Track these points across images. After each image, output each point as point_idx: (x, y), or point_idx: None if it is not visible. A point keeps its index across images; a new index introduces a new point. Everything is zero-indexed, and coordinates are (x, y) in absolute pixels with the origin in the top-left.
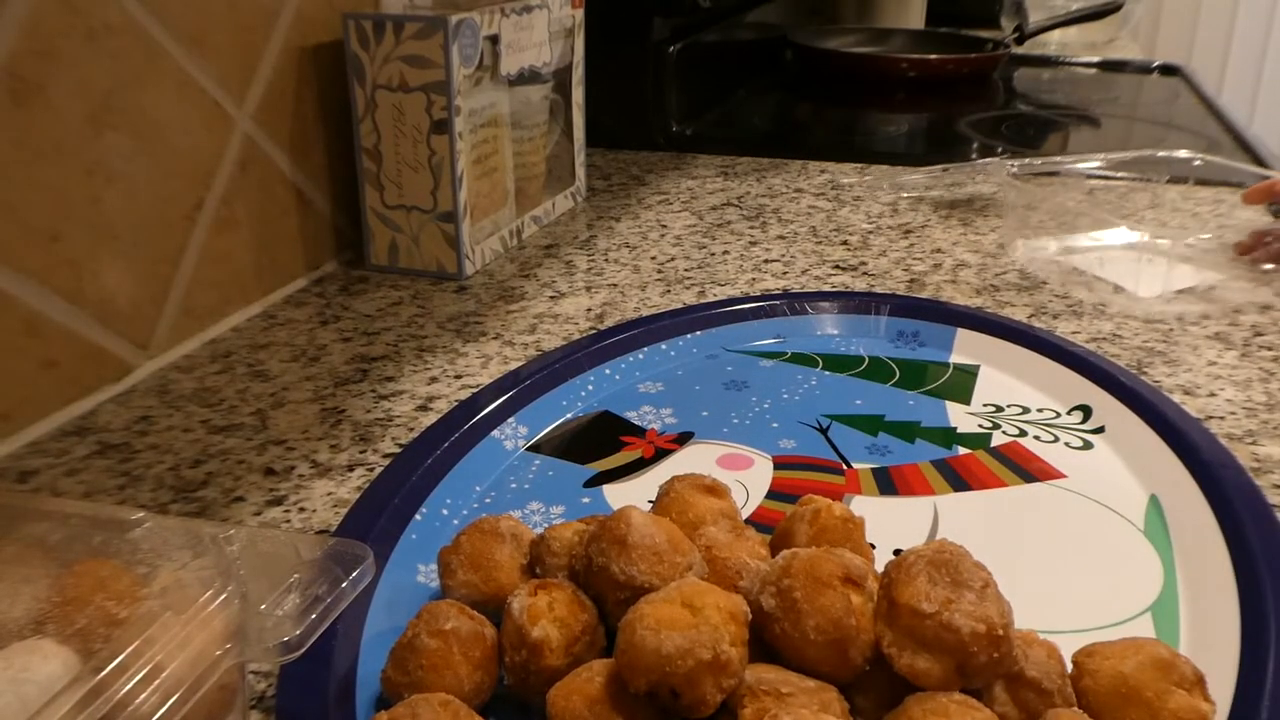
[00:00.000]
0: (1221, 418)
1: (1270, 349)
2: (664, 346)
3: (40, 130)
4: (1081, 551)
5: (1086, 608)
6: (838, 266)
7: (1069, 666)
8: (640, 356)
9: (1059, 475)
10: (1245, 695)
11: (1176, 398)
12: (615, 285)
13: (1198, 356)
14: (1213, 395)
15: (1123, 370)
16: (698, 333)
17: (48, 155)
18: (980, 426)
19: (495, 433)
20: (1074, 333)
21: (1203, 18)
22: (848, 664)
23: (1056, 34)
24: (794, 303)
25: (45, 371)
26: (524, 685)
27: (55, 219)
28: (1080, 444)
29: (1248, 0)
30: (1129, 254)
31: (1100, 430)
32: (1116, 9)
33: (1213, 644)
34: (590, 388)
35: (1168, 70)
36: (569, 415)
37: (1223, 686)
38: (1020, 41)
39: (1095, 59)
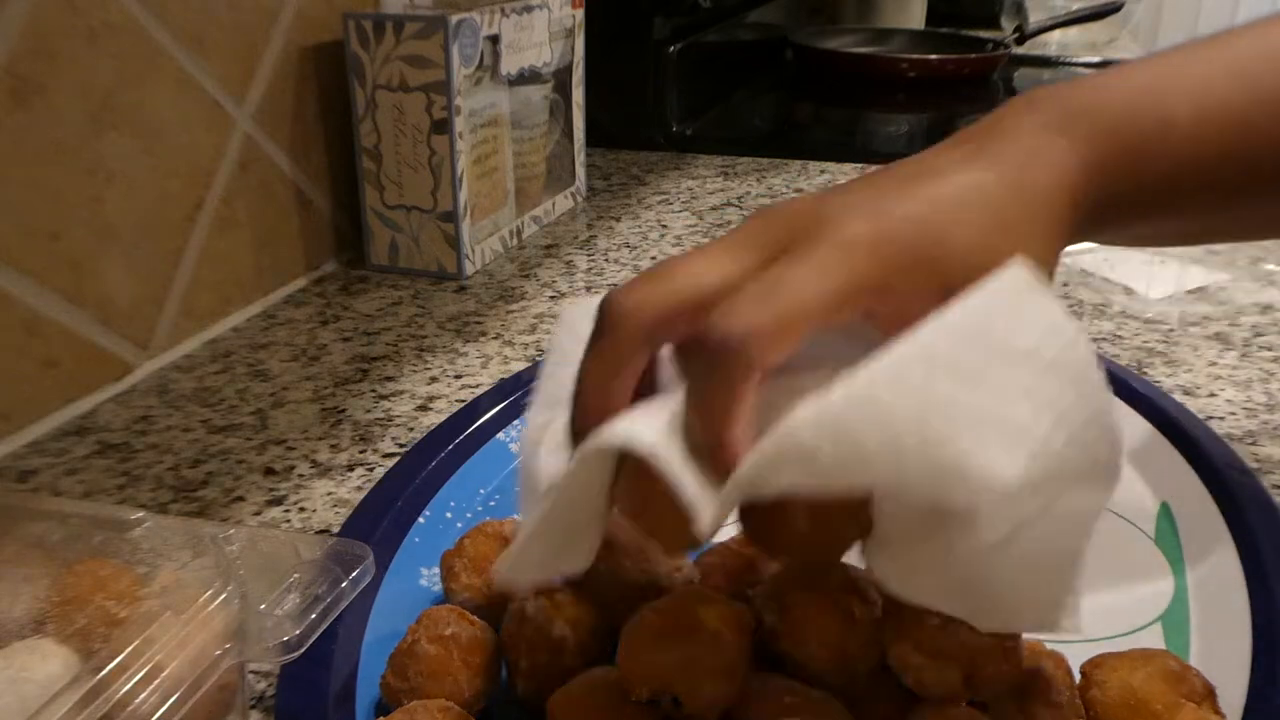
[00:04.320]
0: (1221, 418)
1: (1270, 349)
2: None
3: (40, 130)
4: (1091, 560)
5: (1095, 618)
6: None
7: (1077, 677)
8: None
9: None
10: (1257, 709)
11: (1176, 398)
12: (615, 285)
13: (1198, 357)
14: (1213, 396)
15: (1134, 375)
16: None
17: (48, 155)
18: None
19: (500, 435)
20: None
21: (1203, 18)
22: (852, 675)
23: (1057, 34)
24: None
25: (45, 371)
26: (539, 689)
27: (55, 219)
28: None
29: (1248, 1)
30: (1139, 255)
31: None
32: (1117, 9)
33: (1224, 656)
34: None
35: None
36: None
37: (1233, 700)
38: (1020, 42)
39: (1095, 59)
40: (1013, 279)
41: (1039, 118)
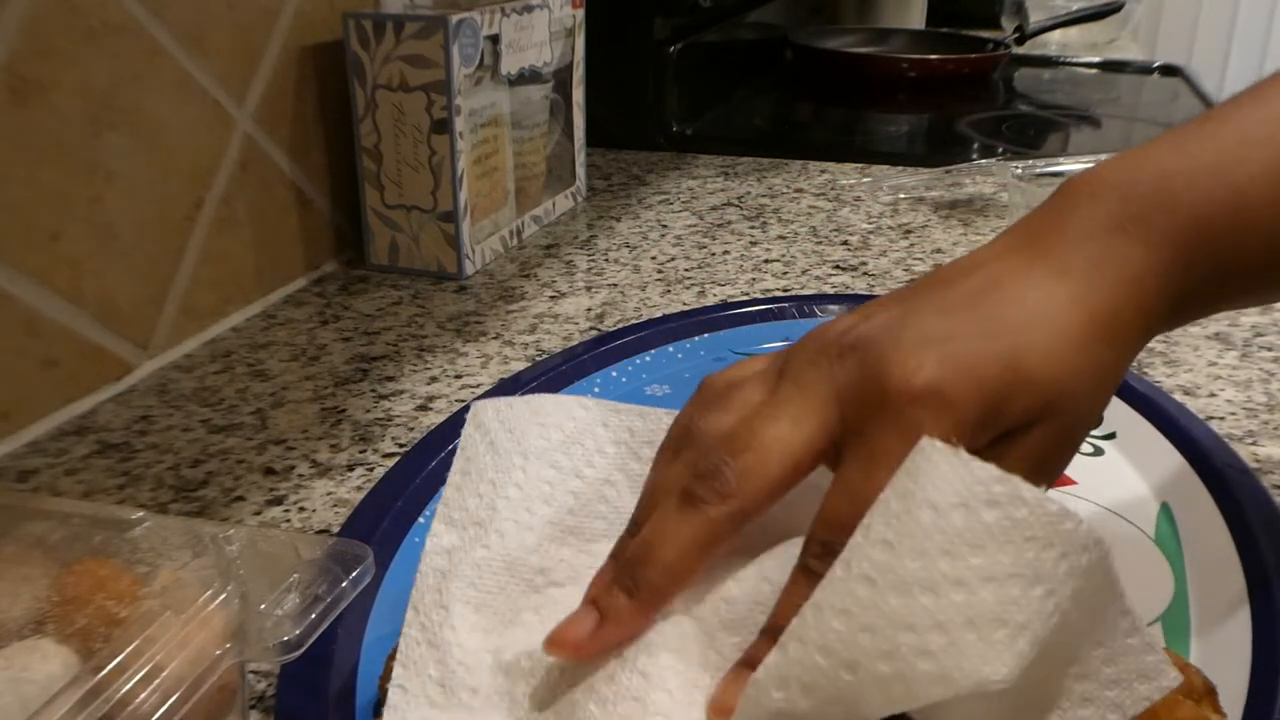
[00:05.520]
0: (1221, 418)
1: (1270, 349)
2: (671, 349)
3: (40, 130)
4: None
5: None
6: (838, 267)
7: None
8: (647, 359)
9: (1069, 482)
10: (1257, 707)
11: (1177, 398)
12: (615, 285)
13: (1198, 357)
14: (1213, 395)
15: (1134, 375)
16: (705, 335)
17: (48, 155)
18: None
19: None
20: None
21: (1203, 18)
22: None
23: (1057, 34)
24: (803, 305)
25: (45, 371)
26: None
27: (55, 219)
28: (1091, 450)
29: (1248, 0)
30: None
31: (1111, 436)
32: (1117, 9)
33: (1224, 656)
34: (596, 390)
35: (1168, 70)
36: None
37: (1233, 699)
38: (1021, 42)
39: (1096, 59)
40: (924, 457)
41: (1101, 212)
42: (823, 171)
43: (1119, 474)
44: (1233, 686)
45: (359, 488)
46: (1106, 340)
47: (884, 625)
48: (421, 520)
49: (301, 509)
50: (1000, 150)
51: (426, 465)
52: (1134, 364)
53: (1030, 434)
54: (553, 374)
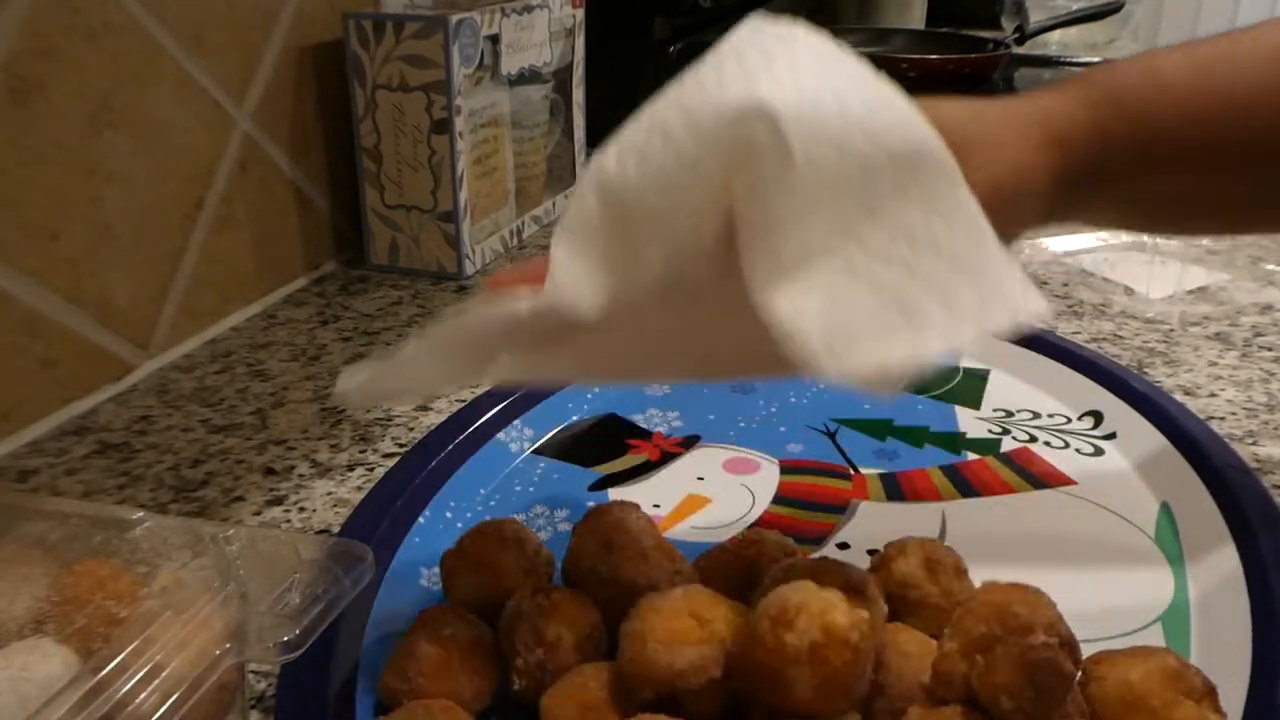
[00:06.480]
0: (1222, 418)
1: (1270, 349)
2: None
3: (40, 130)
4: (1091, 560)
5: (1096, 617)
6: None
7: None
8: None
9: (1069, 482)
10: (1257, 708)
11: (1177, 398)
12: None
13: (1198, 357)
14: (1213, 395)
15: (1134, 375)
16: None
17: (48, 155)
18: (990, 432)
19: (500, 435)
20: (1074, 333)
21: (1203, 18)
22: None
23: (1057, 34)
24: None
25: (45, 371)
26: (538, 685)
27: (55, 218)
28: (1091, 450)
29: (1248, 1)
30: (1139, 255)
31: (1112, 436)
32: (1117, 9)
33: (1224, 656)
34: (596, 390)
35: None
36: (574, 418)
37: (1233, 700)
38: (1021, 42)
39: (1096, 59)
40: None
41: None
42: None
43: (1119, 474)
44: (1233, 686)
45: (359, 488)
46: (1005, 124)
47: (676, 91)
48: (422, 520)
49: (301, 509)
50: None
51: (426, 465)
52: (1134, 363)
53: None
54: None
